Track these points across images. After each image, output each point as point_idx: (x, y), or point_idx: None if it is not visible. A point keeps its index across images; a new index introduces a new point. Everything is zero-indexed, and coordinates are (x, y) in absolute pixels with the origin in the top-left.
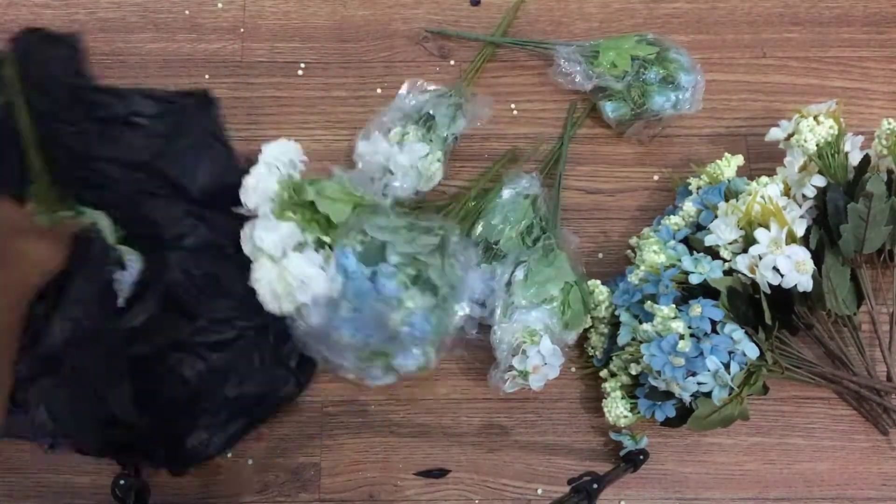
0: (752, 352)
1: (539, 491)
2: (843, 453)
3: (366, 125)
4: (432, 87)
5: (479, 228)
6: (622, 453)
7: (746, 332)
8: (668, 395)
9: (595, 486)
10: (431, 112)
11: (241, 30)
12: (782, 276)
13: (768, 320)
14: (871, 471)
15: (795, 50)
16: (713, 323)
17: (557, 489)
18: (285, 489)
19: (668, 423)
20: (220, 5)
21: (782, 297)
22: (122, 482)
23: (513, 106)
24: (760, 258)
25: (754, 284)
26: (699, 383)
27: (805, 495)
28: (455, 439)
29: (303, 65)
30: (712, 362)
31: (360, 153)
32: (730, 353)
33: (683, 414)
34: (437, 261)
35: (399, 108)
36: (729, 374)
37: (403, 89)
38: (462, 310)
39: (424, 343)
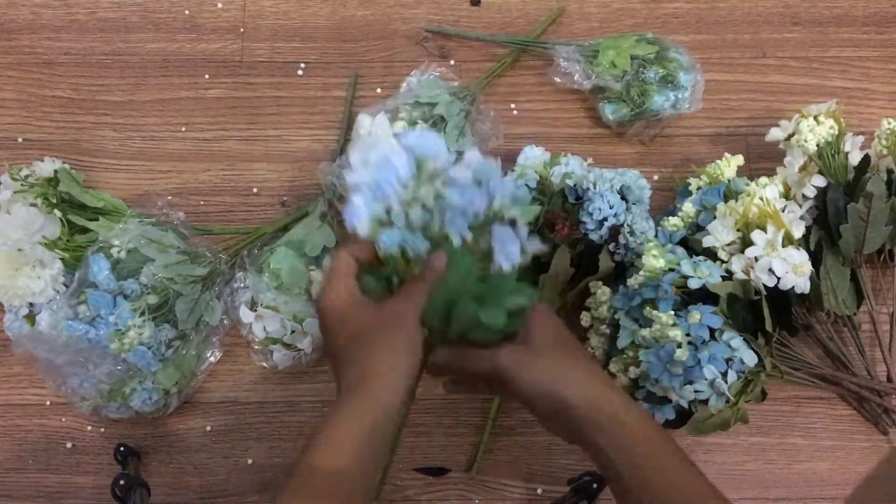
0: (751, 360)
1: (539, 491)
2: (843, 453)
3: (375, 103)
4: (448, 83)
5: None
6: None
7: (745, 339)
8: (667, 398)
9: (595, 486)
10: (444, 115)
11: (241, 30)
12: (778, 278)
13: (769, 327)
14: None
15: (795, 50)
16: (711, 330)
17: (557, 489)
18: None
19: (667, 424)
20: (220, 5)
21: (780, 299)
22: (122, 482)
23: (513, 106)
24: (756, 260)
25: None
26: (696, 391)
27: (805, 495)
28: (455, 439)
29: (303, 65)
30: (709, 372)
31: (360, 125)
32: (727, 360)
33: (683, 416)
34: (193, 293)
35: (412, 95)
36: (726, 382)
37: (415, 75)
38: (214, 356)
39: (152, 379)
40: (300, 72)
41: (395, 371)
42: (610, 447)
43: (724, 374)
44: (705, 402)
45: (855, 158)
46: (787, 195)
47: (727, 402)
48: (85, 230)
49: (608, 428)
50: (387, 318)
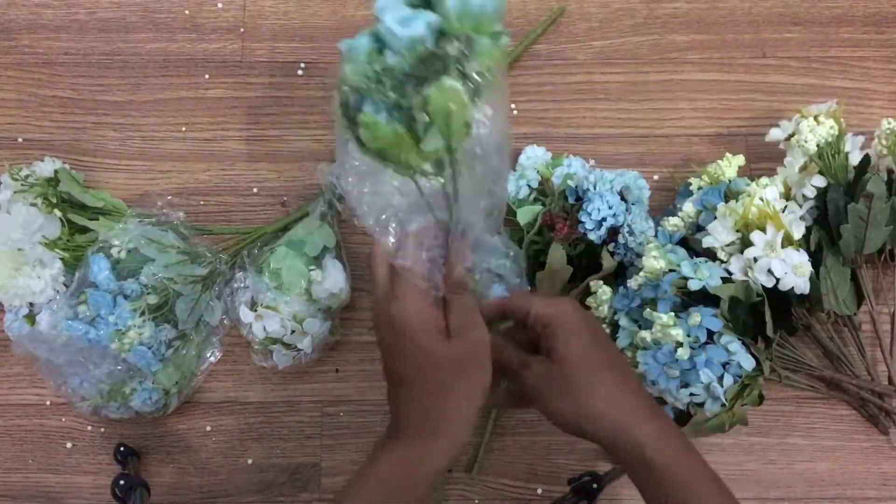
0: (748, 364)
1: (539, 491)
2: (843, 453)
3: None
4: None
5: None
6: None
7: (745, 343)
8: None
9: (595, 486)
10: None
11: (241, 30)
12: (777, 279)
13: (770, 332)
14: (871, 471)
15: (795, 50)
16: (710, 333)
17: (557, 489)
18: (285, 489)
19: None
20: (220, 5)
21: (780, 299)
22: (122, 482)
23: (513, 106)
24: (755, 260)
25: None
26: (692, 395)
27: (805, 495)
28: None
29: (303, 65)
30: (705, 375)
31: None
32: (724, 364)
33: (683, 417)
34: (193, 293)
35: None
36: (722, 386)
37: None
38: (214, 356)
39: (152, 379)
40: (300, 72)
41: (468, 424)
42: (636, 483)
43: (721, 378)
44: (702, 404)
45: (855, 158)
46: (787, 195)
47: (722, 406)
48: (85, 230)
49: (633, 465)
50: (462, 357)
